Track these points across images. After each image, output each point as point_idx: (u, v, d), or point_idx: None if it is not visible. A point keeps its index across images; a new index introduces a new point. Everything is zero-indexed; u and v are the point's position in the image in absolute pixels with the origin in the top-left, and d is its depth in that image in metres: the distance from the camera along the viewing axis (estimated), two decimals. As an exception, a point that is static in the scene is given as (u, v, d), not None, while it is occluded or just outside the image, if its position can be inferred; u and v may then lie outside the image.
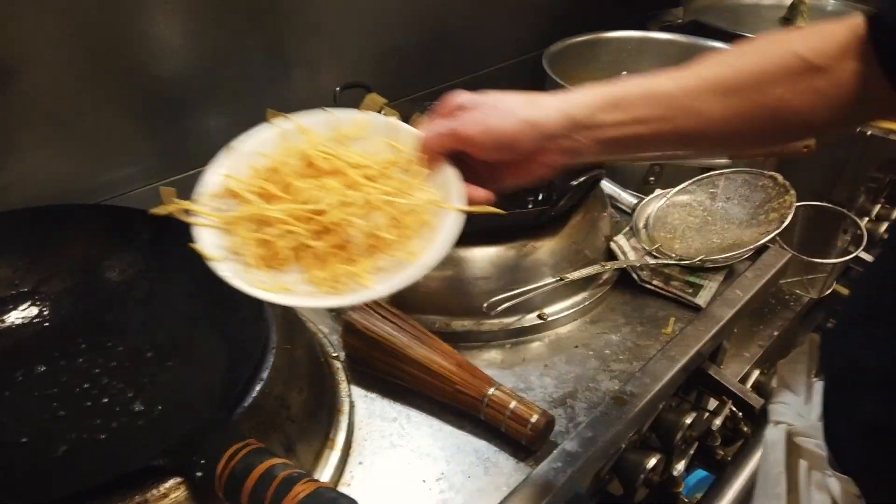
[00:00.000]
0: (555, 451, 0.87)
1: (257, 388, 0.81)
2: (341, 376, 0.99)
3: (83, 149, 1.19)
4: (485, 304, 1.06)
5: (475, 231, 1.11)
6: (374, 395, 0.98)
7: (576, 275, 1.13)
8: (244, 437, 0.71)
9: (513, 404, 0.89)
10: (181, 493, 0.71)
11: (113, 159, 1.23)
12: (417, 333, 0.99)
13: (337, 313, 1.11)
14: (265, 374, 0.84)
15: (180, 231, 0.64)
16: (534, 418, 0.88)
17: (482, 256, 1.12)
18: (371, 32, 1.52)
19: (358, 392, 0.99)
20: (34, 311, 0.98)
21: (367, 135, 0.70)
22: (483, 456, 0.89)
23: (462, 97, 0.68)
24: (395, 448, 0.91)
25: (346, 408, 0.95)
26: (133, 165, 1.23)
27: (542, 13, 1.85)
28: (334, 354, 1.03)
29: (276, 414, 0.82)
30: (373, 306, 1.03)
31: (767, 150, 1.31)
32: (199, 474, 0.69)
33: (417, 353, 0.96)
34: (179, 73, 1.23)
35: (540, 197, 1.33)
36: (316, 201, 0.61)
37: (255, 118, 0.72)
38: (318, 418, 0.88)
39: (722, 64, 0.64)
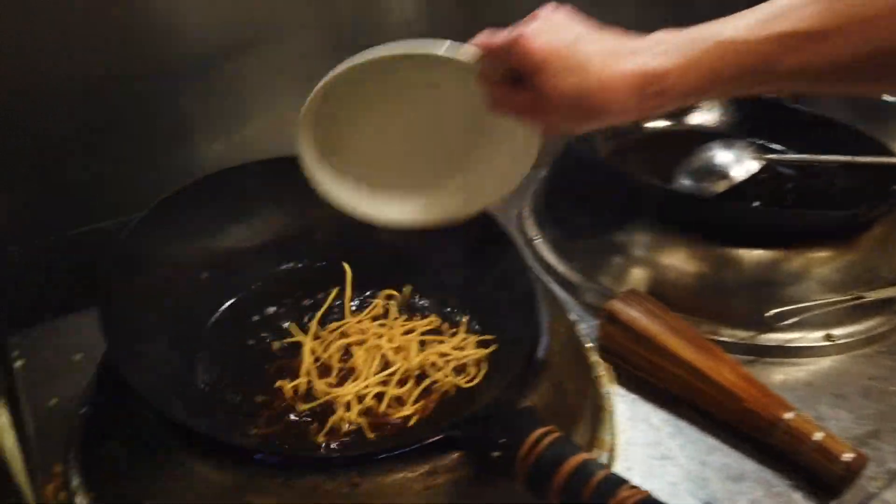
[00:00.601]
0: (872, 502, 0.73)
1: (539, 369, 0.75)
2: (600, 369, 0.91)
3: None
4: (768, 314, 0.93)
5: (751, 228, 0.99)
6: (634, 397, 0.89)
7: (876, 295, 0.96)
8: (543, 421, 0.64)
9: (819, 435, 0.76)
10: (468, 470, 0.65)
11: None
12: (692, 336, 0.88)
13: (583, 301, 1.03)
14: (543, 355, 0.77)
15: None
16: (847, 456, 0.74)
17: (757, 259, 0.99)
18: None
19: (616, 390, 0.89)
20: (304, 261, 0.98)
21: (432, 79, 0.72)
22: (775, 490, 0.77)
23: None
24: (666, 461, 0.80)
25: (609, 405, 0.86)
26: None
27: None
28: (588, 345, 0.94)
29: (553, 400, 0.74)
30: (638, 299, 0.93)
31: None
32: (495, 454, 0.63)
33: (694, 358, 0.85)
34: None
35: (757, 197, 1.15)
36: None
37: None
38: (585, 412, 0.80)
39: None
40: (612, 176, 1.01)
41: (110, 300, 0.76)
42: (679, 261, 1.01)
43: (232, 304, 0.92)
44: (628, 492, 0.56)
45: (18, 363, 0.92)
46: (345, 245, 0.93)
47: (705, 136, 1.21)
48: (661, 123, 1.28)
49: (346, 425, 0.76)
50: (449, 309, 0.92)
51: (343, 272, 0.91)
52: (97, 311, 0.73)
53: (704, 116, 1.29)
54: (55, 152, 0.96)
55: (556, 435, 0.62)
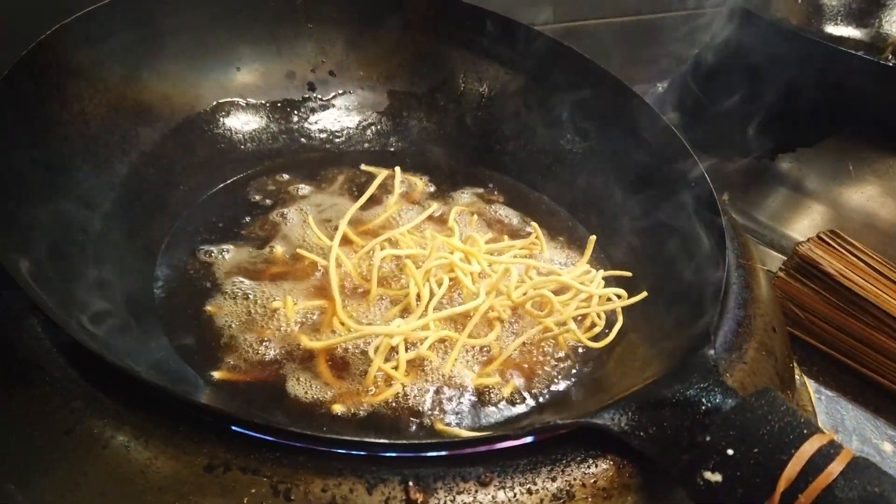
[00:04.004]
0: None
1: (743, 321, 0.43)
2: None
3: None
4: None
5: None
6: (833, 395, 0.57)
7: None
8: (812, 425, 0.32)
9: None
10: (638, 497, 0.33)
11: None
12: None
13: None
14: (742, 300, 0.45)
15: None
16: None
17: None
18: None
19: (804, 380, 0.57)
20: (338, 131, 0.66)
21: None
22: None
23: None
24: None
25: (806, 401, 0.54)
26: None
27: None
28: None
29: (767, 378, 0.42)
30: (842, 245, 0.60)
31: None
32: (710, 477, 0.31)
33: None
34: None
35: None
36: None
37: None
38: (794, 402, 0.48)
39: None
40: (799, 57, 0.66)
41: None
42: (879, 197, 0.69)
43: (224, 183, 0.59)
44: None
45: None
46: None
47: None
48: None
49: (382, 385, 0.44)
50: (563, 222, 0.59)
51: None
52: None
53: None
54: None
55: (848, 455, 0.30)
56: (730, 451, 0.31)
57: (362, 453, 0.33)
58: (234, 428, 0.33)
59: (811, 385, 0.56)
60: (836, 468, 0.29)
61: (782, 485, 0.29)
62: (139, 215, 0.52)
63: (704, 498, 0.31)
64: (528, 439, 0.34)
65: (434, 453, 0.33)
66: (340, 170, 0.63)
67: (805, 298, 0.59)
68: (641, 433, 0.34)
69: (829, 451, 0.30)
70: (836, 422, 0.55)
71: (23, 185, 0.44)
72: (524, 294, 0.49)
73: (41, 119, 0.48)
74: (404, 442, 0.34)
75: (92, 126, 0.51)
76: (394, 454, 0.33)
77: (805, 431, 0.30)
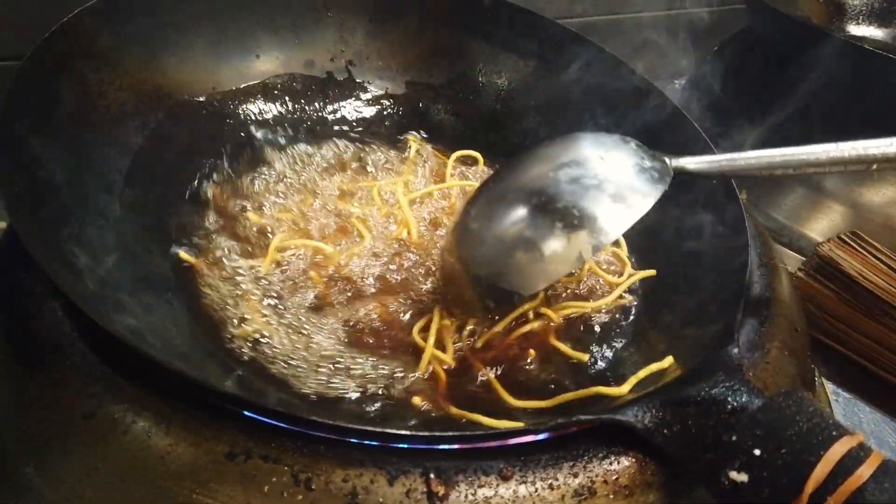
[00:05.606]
0: None
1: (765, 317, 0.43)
2: (800, 347, 0.58)
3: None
4: None
5: None
6: (850, 397, 0.56)
7: None
8: (840, 426, 0.31)
9: None
10: (661, 495, 0.33)
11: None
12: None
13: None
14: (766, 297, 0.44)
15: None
16: None
17: None
18: None
19: (822, 381, 0.57)
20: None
21: None
22: None
23: None
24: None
25: (825, 404, 0.53)
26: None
27: None
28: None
29: (787, 378, 0.42)
30: (864, 247, 0.60)
31: None
32: (736, 476, 0.30)
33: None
34: None
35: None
36: None
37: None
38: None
39: None
40: (821, 55, 0.65)
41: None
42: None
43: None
44: None
45: None
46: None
47: None
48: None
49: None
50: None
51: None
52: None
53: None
54: None
55: (878, 458, 0.30)
56: (756, 452, 0.30)
57: (376, 443, 0.33)
58: (259, 417, 0.33)
59: (828, 386, 0.56)
60: (865, 471, 0.29)
61: (810, 486, 0.29)
62: (156, 200, 0.52)
63: (729, 497, 0.31)
64: (550, 434, 0.34)
65: (454, 446, 0.33)
66: (358, 157, 0.62)
67: (824, 299, 0.59)
68: (665, 430, 0.33)
69: (858, 454, 0.29)
70: (854, 424, 0.54)
71: (43, 170, 0.44)
72: None
73: (62, 102, 0.48)
74: (424, 434, 0.34)
75: (111, 110, 0.51)
76: (407, 445, 0.33)
77: (834, 433, 0.30)
